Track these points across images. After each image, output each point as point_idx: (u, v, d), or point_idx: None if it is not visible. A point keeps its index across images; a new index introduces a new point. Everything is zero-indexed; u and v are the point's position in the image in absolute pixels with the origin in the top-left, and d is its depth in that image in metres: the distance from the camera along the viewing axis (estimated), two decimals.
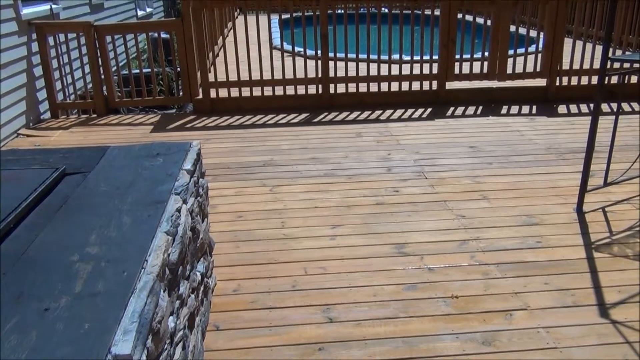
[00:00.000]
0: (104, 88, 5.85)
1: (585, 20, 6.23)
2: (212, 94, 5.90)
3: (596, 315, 2.46)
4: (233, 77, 5.88)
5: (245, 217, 3.45)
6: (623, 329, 2.36)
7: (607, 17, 3.20)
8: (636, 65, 3.80)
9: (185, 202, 2.07)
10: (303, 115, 5.70)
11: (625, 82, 5.93)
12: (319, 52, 5.85)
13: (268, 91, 5.96)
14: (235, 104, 5.92)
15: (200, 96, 5.90)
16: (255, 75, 5.88)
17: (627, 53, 6.49)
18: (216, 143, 4.91)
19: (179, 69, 5.88)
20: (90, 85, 5.84)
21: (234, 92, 5.95)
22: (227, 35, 9.25)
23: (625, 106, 5.76)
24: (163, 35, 6.04)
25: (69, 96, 6.04)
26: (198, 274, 2.21)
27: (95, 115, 5.86)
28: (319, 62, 5.88)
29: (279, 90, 5.97)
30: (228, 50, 5.99)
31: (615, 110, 3.53)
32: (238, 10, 11.22)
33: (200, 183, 2.48)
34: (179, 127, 5.46)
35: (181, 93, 5.98)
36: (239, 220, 3.41)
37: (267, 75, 5.90)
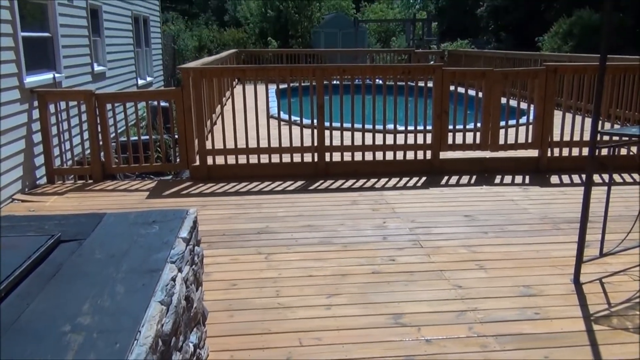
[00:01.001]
0: (102, 154, 5.91)
1: (574, 94, 6.43)
2: (209, 161, 5.96)
3: None
4: (230, 144, 5.96)
5: (240, 286, 3.41)
6: None
7: (595, 92, 3.31)
8: (625, 138, 3.90)
9: (180, 270, 2.05)
10: (299, 183, 5.75)
11: (615, 154, 6.04)
12: (315, 121, 5.97)
13: (264, 159, 6.03)
14: (232, 171, 5.97)
15: (197, 163, 5.96)
16: (252, 143, 5.97)
17: (615, 126, 6.66)
18: (212, 210, 4.91)
19: (176, 136, 5.97)
20: (88, 152, 5.90)
21: (231, 160, 6.02)
22: (225, 104, 9.46)
23: (617, 177, 5.85)
24: (162, 104, 6.18)
25: (67, 162, 6.09)
26: (191, 344, 2.16)
27: (91, 181, 5.89)
28: (315, 131, 5.99)
29: (275, 158, 6.04)
30: (226, 119, 6.11)
31: (607, 181, 3.58)
32: (237, 80, 11.55)
33: (195, 251, 2.46)
34: (175, 193, 5.48)
35: (178, 160, 6.04)
36: (233, 289, 3.37)
37: (263, 143, 5.99)
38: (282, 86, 6.32)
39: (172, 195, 5.42)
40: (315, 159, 6.06)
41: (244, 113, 5.94)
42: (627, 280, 3.46)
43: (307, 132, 6.12)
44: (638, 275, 3.52)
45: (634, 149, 6.23)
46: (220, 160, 6.02)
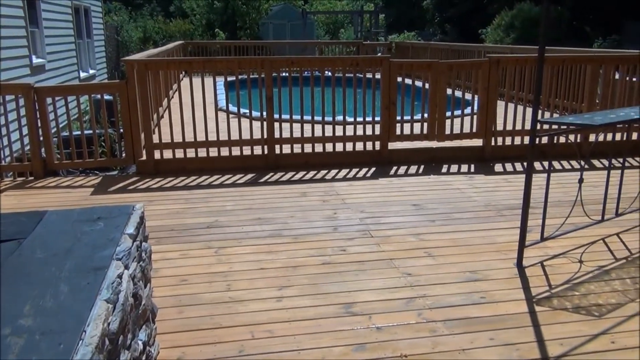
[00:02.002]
0: (43, 150, 5.69)
1: (516, 84, 6.64)
2: (156, 155, 5.84)
3: None
4: (178, 138, 5.86)
5: (190, 281, 3.36)
6: None
7: (535, 83, 3.43)
8: (563, 127, 4.06)
9: (127, 267, 2.01)
10: (248, 176, 5.71)
11: (555, 142, 6.30)
12: (264, 113, 5.94)
13: (213, 152, 5.96)
14: (180, 165, 5.87)
15: (144, 157, 5.83)
16: (200, 137, 5.89)
17: (555, 115, 6.92)
18: (160, 205, 4.82)
19: (122, 130, 5.81)
20: (28, 147, 5.66)
21: (179, 154, 5.91)
22: (172, 97, 9.27)
23: (557, 164, 6.09)
24: (106, 97, 5.99)
25: (4, 158, 5.83)
26: (140, 342, 2.12)
27: (32, 178, 5.66)
28: (264, 123, 5.96)
29: (224, 151, 5.98)
30: (173, 112, 5.99)
31: (547, 168, 3.73)
32: (184, 72, 11.33)
33: (143, 247, 2.42)
34: (121, 189, 5.34)
35: (124, 154, 5.89)
36: (183, 284, 3.32)
37: (212, 137, 5.91)
38: (230, 78, 6.25)
39: (118, 190, 5.29)
40: (265, 152, 6.03)
41: (191, 106, 5.84)
42: (567, 263, 3.62)
43: (256, 124, 6.08)
44: (577, 258, 3.68)
45: (572, 137, 6.51)
46: (167, 154, 5.91)
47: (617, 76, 6.85)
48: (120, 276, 1.87)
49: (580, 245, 3.87)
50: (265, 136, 5.99)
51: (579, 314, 2.97)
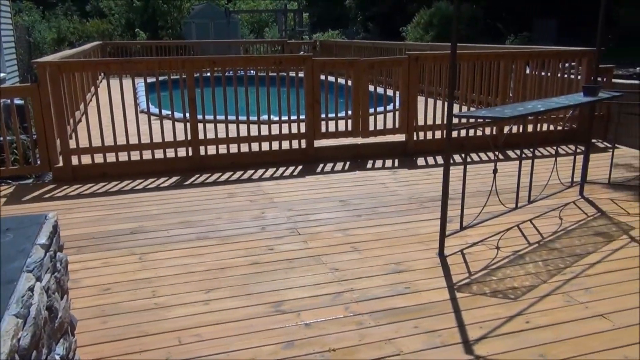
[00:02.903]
0: None
1: (434, 81, 6.87)
2: (74, 161, 5.60)
3: (462, 352, 2.61)
4: (97, 142, 5.64)
5: (113, 290, 3.26)
6: None
7: (449, 79, 3.57)
8: (480, 120, 4.25)
9: (39, 279, 1.92)
10: (174, 179, 5.59)
11: (471, 135, 6.57)
12: (188, 115, 5.83)
13: (135, 156, 5.79)
14: (100, 170, 5.66)
15: (61, 164, 5.58)
16: (121, 140, 5.70)
17: (472, 109, 7.22)
18: (79, 213, 4.63)
19: (35, 136, 5.53)
20: None
21: (98, 159, 5.70)
22: (90, 100, 8.91)
23: (475, 156, 6.36)
24: (17, 102, 5.68)
25: None
26: (57, 357, 2.03)
27: None
28: (188, 124, 5.85)
29: (147, 155, 5.82)
30: (91, 116, 5.77)
31: (463, 160, 3.89)
32: (102, 74, 10.91)
33: (57, 257, 2.32)
34: (37, 198, 5.09)
35: (39, 162, 5.61)
36: (106, 294, 3.21)
37: (133, 140, 5.74)
38: (151, 80, 6.09)
39: (33, 200, 5.03)
40: (190, 153, 5.92)
41: (110, 109, 5.64)
42: (485, 250, 3.80)
43: (180, 126, 5.96)
44: (494, 244, 3.87)
45: (488, 130, 6.82)
46: (86, 159, 5.68)
47: (527, 71, 7.24)
48: (31, 289, 1.79)
49: (497, 233, 4.07)
50: (189, 138, 5.88)
51: (497, 298, 3.12)
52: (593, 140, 6.82)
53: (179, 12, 26.47)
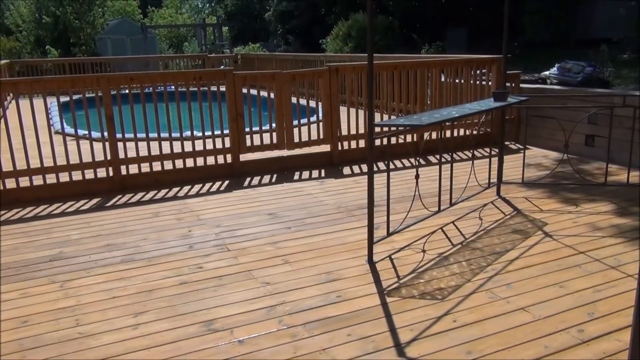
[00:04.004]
0: None
1: (355, 91, 7.02)
2: None
3: (395, 355, 2.67)
4: (7, 167, 5.33)
5: (32, 321, 3.08)
6: None
7: (368, 90, 3.66)
8: (401, 128, 4.38)
9: None
10: (94, 201, 5.37)
11: (394, 142, 6.76)
12: (106, 134, 5.64)
13: (51, 179, 5.52)
14: (13, 196, 5.35)
15: None
16: (35, 163, 5.42)
17: (392, 117, 7.42)
18: None
19: None
20: None
21: (11, 184, 5.39)
22: None
23: (398, 163, 6.54)
24: None
25: None
26: None
27: None
28: (107, 144, 5.65)
29: (64, 177, 5.57)
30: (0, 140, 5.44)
31: (386, 168, 4.00)
32: (10, 94, 10.34)
33: None
34: None
35: None
36: (24, 326, 3.03)
37: (48, 162, 5.47)
38: (64, 99, 5.84)
39: None
40: (110, 174, 5.72)
41: (21, 131, 5.36)
42: (412, 254, 3.91)
43: (98, 146, 5.75)
44: (420, 248, 3.99)
45: (410, 137, 7.04)
46: None
47: (442, 79, 7.55)
48: None
49: (423, 236, 4.20)
50: (109, 157, 5.68)
51: (425, 300, 3.22)
52: (506, 143, 7.20)
53: (93, 28, 25.58)
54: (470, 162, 5.27)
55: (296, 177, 6.16)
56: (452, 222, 4.51)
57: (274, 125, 6.55)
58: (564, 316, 2.98)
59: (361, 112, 6.85)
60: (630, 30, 9.98)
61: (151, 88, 5.96)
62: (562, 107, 6.54)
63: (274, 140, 6.51)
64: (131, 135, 5.83)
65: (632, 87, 7.32)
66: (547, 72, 8.12)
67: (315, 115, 6.95)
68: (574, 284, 3.36)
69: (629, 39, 9.99)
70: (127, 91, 5.85)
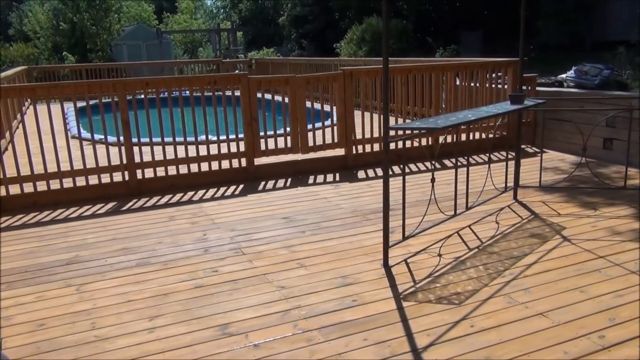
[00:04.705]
0: None
1: (370, 95, 7.00)
2: (2, 191, 5.32)
3: None
4: (25, 171, 5.39)
5: (49, 325, 3.09)
6: None
7: (382, 92, 3.64)
8: (416, 131, 4.36)
9: None
10: (110, 205, 5.40)
11: (409, 146, 6.72)
12: (122, 138, 5.67)
13: (68, 183, 5.57)
14: (30, 200, 5.40)
15: None
16: (52, 168, 5.47)
17: (407, 121, 7.39)
18: (9, 246, 4.39)
19: None
20: None
21: (28, 188, 5.44)
22: (17, 128, 8.53)
23: (413, 167, 6.51)
24: None
25: None
26: None
27: None
28: (123, 148, 5.69)
29: (81, 181, 5.61)
30: (17, 144, 5.50)
31: (401, 171, 3.97)
32: (28, 100, 10.47)
33: None
34: None
35: None
36: (41, 329, 3.05)
37: (65, 167, 5.52)
38: (81, 104, 5.89)
39: None
40: (126, 178, 5.75)
41: (38, 135, 5.41)
42: (428, 258, 3.87)
43: (114, 150, 5.78)
44: (436, 252, 3.95)
45: (424, 140, 7.00)
46: (15, 189, 5.41)
47: (457, 82, 7.50)
48: None
49: (438, 240, 4.16)
50: (124, 162, 5.71)
51: (442, 304, 3.18)
52: (523, 146, 7.12)
53: (109, 34, 25.87)
54: (487, 165, 5.21)
55: (310, 181, 6.14)
56: (469, 226, 4.46)
57: (288, 129, 6.55)
58: (584, 322, 2.92)
59: (375, 116, 6.83)
60: None
61: (166, 93, 5.99)
62: (580, 110, 6.46)
63: (289, 144, 6.51)
64: (147, 140, 5.86)
65: None
66: (563, 75, 8.03)
67: (329, 119, 6.94)
68: (594, 288, 3.30)
69: None
70: (142, 96, 5.88)
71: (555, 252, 3.88)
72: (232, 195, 5.67)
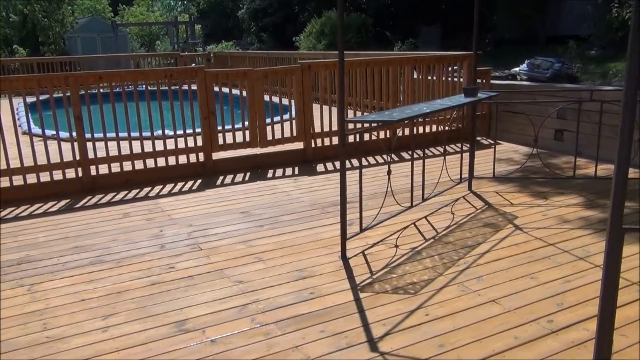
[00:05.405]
0: None
1: (328, 88, 7.02)
2: None
3: (367, 351, 2.67)
4: None
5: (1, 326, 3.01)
6: (391, 358, 2.60)
7: (339, 87, 3.66)
8: (374, 124, 4.39)
9: None
10: (63, 202, 5.27)
11: (366, 139, 6.77)
12: (74, 134, 5.53)
13: (18, 180, 5.39)
14: None
15: None
16: (1, 165, 5.29)
17: (365, 114, 7.44)
18: None
19: None
20: None
21: None
22: None
23: (372, 159, 6.56)
24: None
25: None
26: None
27: None
28: (76, 144, 5.55)
29: (32, 179, 5.45)
30: None
31: (358, 164, 4.00)
32: None
33: None
34: None
35: None
36: None
37: (15, 164, 5.35)
38: (31, 99, 5.71)
39: None
40: (80, 174, 5.61)
41: None
42: (385, 249, 3.92)
43: (66, 146, 5.63)
44: (393, 243, 4.00)
45: (382, 133, 7.06)
46: None
47: (415, 75, 7.59)
48: None
49: (395, 231, 4.22)
50: (77, 158, 5.57)
51: (398, 294, 3.23)
52: (478, 138, 7.27)
53: (62, 27, 25.10)
54: (442, 157, 5.31)
55: (269, 175, 6.13)
56: (425, 217, 4.54)
57: (246, 123, 6.51)
58: (534, 307, 3.02)
59: (334, 109, 6.85)
60: (597, 27, 10.15)
61: (121, 87, 5.86)
62: (532, 103, 6.64)
63: (247, 139, 6.47)
64: (101, 135, 5.73)
65: (599, 82, 7.46)
66: (517, 69, 8.23)
67: (288, 113, 6.93)
68: (543, 275, 3.41)
69: (596, 36, 10.17)
70: (95, 90, 5.74)
71: (508, 240, 3.99)
72: (190, 191, 5.61)
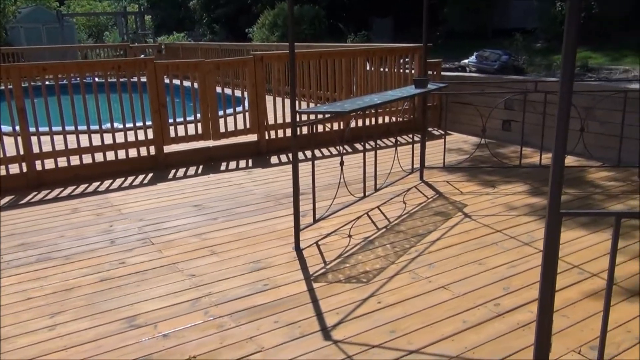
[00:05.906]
0: None
1: (281, 80, 7.00)
2: None
3: (321, 340, 2.70)
4: None
5: None
6: (343, 345, 2.64)
7: (290, 78, 3.65)
8: (327, 115, 4.41)
9: None
10: (7, 199, 5.08)
11: (320, 130, 6.81)
12: (18, 127, 5.33)
13: None
14: None
15: None
16: None
17: (318, 105, 7.45)
18: None
19: None
20: None
21: None
22: None
23: (325, 151, 6.59)
24: None
25: None
26: None
27: None
28: (19, 138, 5.35)
29: None
30: None
31: (311, 156, 4.02)
32: None
33: None
34: None
35: None
36: None
37: None
38: None
39: None
40: (24, 170, 5.42)
41: None
42: (338, 239, 3.96)
43: (10, 140, 5.43)
44: (346, 233, 4.04)
45: (336, 125, 7.10)
46: None
47: (367, 67, 7.65)
48: None
49: (349, 222, 4.26)
50: (22, 152, 5.38)
51: (351, 283, 3.27)
52: (429, 129, 7.42)
53: (3, 16, 24.02)
54: (395, 148, 5.38)
55: (223, 167, 6.07)
56: (377, 207, 4.60)
57: (198, 115, 6.42)
58: (482, 292, 3.12)
59: (287, 101, 6.82)
60: (543, 21, 10.48)
61: (66, 79, 5.67)
62: (480, 94, 6.80)
63: (199, 131, 6.39)
64: (46, 129, 5.54)
65: (543, 74, 7.71)
66: (466, 61, 8.41)
67: (241, 105, 6.87)
68: (491, 261, 3.52)
69: (541, 29, 10.50)
70: (40, 83, 5.54)
71: (457, 228, 4.09)
72: (141, 185, 5.50)
